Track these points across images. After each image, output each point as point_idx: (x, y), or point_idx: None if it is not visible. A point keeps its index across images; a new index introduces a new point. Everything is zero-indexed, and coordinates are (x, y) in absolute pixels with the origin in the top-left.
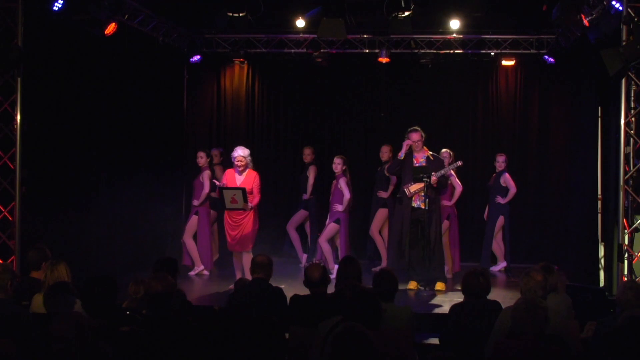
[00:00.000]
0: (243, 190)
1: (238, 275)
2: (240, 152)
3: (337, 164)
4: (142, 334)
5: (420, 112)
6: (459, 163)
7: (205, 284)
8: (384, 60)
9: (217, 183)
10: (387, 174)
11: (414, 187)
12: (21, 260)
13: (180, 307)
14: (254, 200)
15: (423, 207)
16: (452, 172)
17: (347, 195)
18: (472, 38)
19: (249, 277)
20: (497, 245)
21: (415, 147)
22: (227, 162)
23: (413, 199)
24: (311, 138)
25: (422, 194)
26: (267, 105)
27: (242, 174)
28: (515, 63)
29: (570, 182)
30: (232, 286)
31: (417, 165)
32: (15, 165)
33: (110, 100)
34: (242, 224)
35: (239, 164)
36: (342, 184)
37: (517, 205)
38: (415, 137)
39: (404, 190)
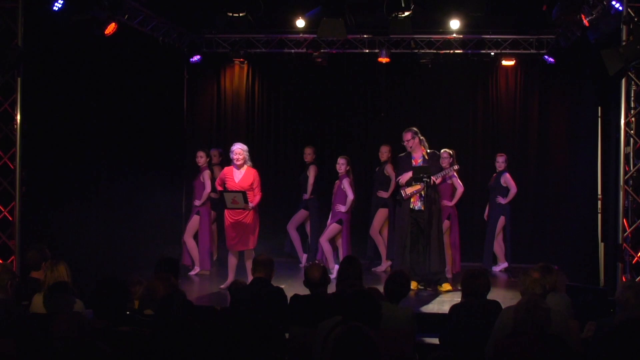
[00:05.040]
0: (244, 193)
1: (231, 276)
2: (239, 146)
3: (341, 164)
4: (142, 334)
5: (420, 112)
6: (456, 167)
7: (205, 284)
8: (384, 60)
9: (219, 188)
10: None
11: (410, 189)
12: (21, 260)
13: (181, 307)
14: (255, 199)
15: (423, 209)
16: (454, 172)
17: (350, 196)
18: (472, 38)
19: (250, 276)
20: (498, 246)
21: (411, 147)
22: (226, 163)
23: (412, 201)
24: (311, 138)
25: (420, 195)
26: (267, 105)
27: (240, 169)
28: (515, 63)
29: (570, 182)
30: (222, 286)
31: (416, 165)
32: (15, 165)
33: (110, 101)
34: (242, 223)
35: (238, 157)
36: (346, 184)
37: (517, 205)
38: (407, 136)
39: (401, 192)
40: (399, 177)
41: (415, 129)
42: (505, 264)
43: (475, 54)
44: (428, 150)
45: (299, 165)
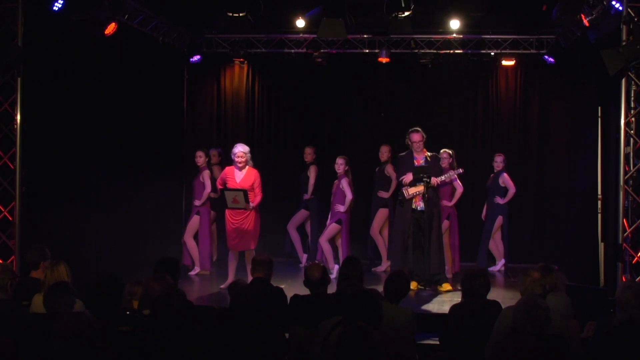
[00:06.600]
0: (245, 192)
1: (231, 276)
2: (241, 148)
3: (340, 165)
4: (142, 334)
5: (420, 112)
6: (460, 170)
7: (205, 284)
8: (384, 60)
9: (220, 187)
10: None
11: (413, 190)
12: (21, 260)
13: (181, 307)
14: (256, 199)
15: (426, 209)
16: (456, 177)
17: (349, 195)
18: (472, 38)
19: (250, 276)
20: (496, 245)
21: (416, 148)
22: (226, 162)
23: (414, 201)
24: (311, 138)
25: (422, 195)
26: (267, 105)
27: (241, 171)
28: (515, 63)
29: (570, 182)
30: (222, 286)
31: (417, 166)
32: (15, 165)
33: (110, 101)
34: (243, 223)
35: (240, 159)
36: (345, 184)
37: (516, 205)
38: (416, 137)
39: (403, 192)
40: (403, 177)
41: (421, 130)
42: (503, 261)
43: (475, 54)
44: (430, 154)
45: (299, 165)
